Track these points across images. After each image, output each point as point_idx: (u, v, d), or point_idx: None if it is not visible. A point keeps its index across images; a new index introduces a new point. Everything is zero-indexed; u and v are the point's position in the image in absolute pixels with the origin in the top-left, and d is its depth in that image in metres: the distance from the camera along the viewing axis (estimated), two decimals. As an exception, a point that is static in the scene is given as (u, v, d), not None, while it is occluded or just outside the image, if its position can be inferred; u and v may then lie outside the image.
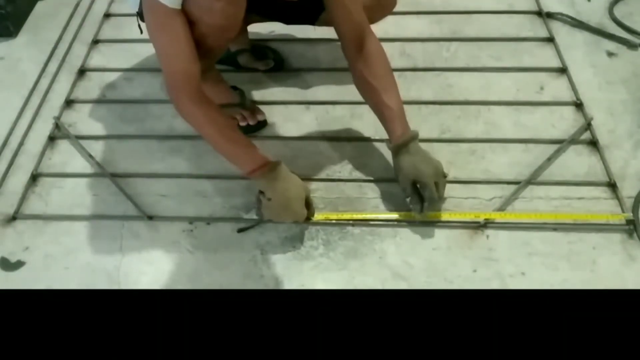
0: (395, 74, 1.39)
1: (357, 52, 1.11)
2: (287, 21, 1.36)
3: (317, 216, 1.12)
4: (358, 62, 1.11)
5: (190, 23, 1.00)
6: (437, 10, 1.59)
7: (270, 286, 1.05)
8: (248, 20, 1.38)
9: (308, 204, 1.08)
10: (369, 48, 1.10)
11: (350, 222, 1.12)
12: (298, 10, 1.14)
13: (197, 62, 1.01)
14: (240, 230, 1.12)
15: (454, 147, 1.25)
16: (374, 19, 1.32)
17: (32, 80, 1.45)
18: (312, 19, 1.31)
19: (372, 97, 1.12)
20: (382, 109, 1.11)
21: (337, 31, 1.12)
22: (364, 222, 1.13)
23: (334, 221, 1.12)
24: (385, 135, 1.13)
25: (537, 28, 1.52)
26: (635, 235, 1.08)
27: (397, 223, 1.12)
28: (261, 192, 1.05)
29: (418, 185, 1.08)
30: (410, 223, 1.12)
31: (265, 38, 1.49)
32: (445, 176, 1.12)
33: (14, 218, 1.17)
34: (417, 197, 1.08)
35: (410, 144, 1.08)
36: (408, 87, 1.38)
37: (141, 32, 1.14)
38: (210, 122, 1.04)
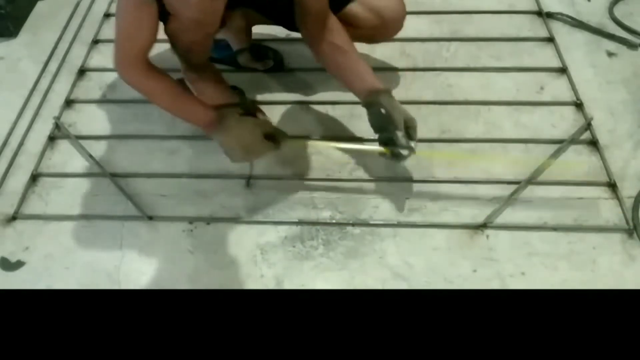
0: (396, 73, 1.41)
1: (322, 27, 1.12)
2: (289, 27, 1.36)
3: (292, 142, 1.16)
4: (325, 33, 1.12)
5: (171, 16, 1.03)
6: (437, 10, 1.59)
7: (270, 286, 1.05)
8: (252, 21, 1.38)
9: (272, 136, 1.08)
10: (332, 23, 1.13)
11: (350, 222, 1.13)
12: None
13: (153, 41, 1.04)
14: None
15: (454, 147, 1.25)
16: (377, 39, 1.33)
17: (32, 80, 1.45)
18: None
19: (344, 60, 1.13)
20: (356, 65, 1.12)
21: (302, 9, 1.12)
22: (364, 222, 1.13)
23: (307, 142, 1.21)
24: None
25: (537, 28, 1.52)
26: (635, 235, 1.08)
27: (397, 223, 1.12)
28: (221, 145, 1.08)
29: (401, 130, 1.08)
30: (410, 223, 1.12)
31: (265, 38, 1.49)
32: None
33: (14, 218, 1.17)
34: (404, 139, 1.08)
35: (388, 92, 1.10)
36: (408, 87, 1.38)
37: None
38: (159, 90, 1.07)
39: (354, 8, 1.23)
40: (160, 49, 1.38)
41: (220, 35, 1.39)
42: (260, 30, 1.44)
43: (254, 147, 1.07)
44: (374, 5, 1.23)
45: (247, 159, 1.13)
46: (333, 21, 1.13)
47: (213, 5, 1.01)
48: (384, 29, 1.26)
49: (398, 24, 1.28)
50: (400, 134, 1.06)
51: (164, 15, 1.05)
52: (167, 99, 1.08)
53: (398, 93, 1.36)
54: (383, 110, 1.07)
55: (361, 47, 1.39)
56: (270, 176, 1.21)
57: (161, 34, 1.10)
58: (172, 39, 1.11)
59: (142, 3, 0.99)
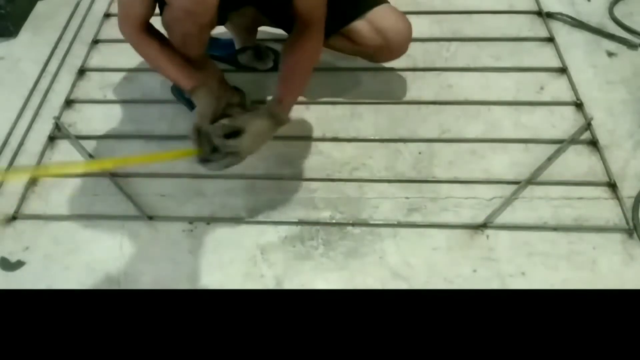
0: (396, 73, 1.41)
1: (296, 35, 1.11)
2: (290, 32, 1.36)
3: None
4: (291, 44, 1.12)
5: (166, 6, 1.03)
6: (437, 10, 1.59)
7: (270, 286, 1.05)
8: (258, 21, 1.38)
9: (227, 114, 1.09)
10: (304, 41, 1.11)
11: (350, 222, 1.13)
12: None
13: (148, 15, 1.07)
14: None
15: (454, 147, 1.25)
16: (379, 59, 1.33)
17: (32, 80, 1.45)
18: None
19: (286, 71, 1.12)
20: (284, 77, 1.12)
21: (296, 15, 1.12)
22: (364, 222, 1.13)
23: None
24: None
25: (537, 28, 1.52)
26: (635, 235, 1.08)
27: (397, 223, 1.12)
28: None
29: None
30: (410, 223, 1.12)
31: (267, 38, 1.49)
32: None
33: (14, 218, 1.17)
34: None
35: (282, 123, 1.09)
36: (408, 87, 1.38)
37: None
38: (150, 55, 1.11)
39: (359, 25, 1.22)
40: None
41: (225, 29, 1.39)
42: (263, 30, 1.44)
43: (199, 116, 1.07)
44: (380, 25, 1.21)
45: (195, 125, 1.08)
46: (305, 44, 1.11)
47: None
48: (387, 50, 1.25)
49: (402, 47, 1.27)
50: (217, 140, 1.05)
51: (161, 4, 1.05)
52: (156, 64, 1.11)
53: (398, 93, 1.37)
54: (239, 122, 1.06)
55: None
56: (270, 176, 1.21)
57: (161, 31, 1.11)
58: (168, 31, 1.11)
59: None
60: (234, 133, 1.05)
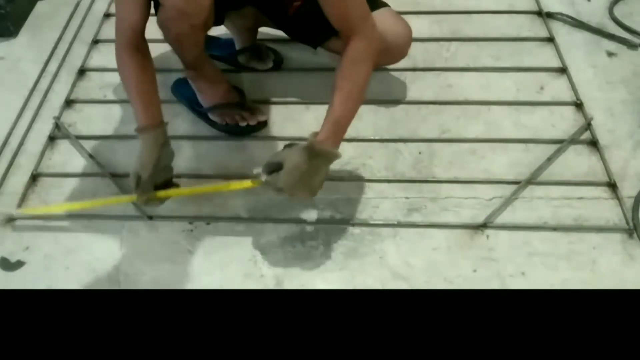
0: (395, 74, 1.41)
1: (343, 45, 1.01)
2: (292, 36, 1.36)
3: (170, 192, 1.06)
4: (342, 55, 1.02)
5: (160, 6, 1.03)
6: (437, 10, 1.59)
7: (270, 286, 1.05)
8: (259, 22, 1.38)
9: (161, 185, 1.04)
10: (350, 48, 1.00)
11: (350, 222, 1.13)
12: (304, 30, 1.13)
13: (142, 21, 1.05)
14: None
15: (454, 147, 1.25)
16: (379, 64, 1.32)
17: (32, 80, 1.45)
18: (315, 43, 1.30)
19: (332, 90, 1.01)
20: (330, 107, 1.00)
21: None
22: (364, 222, 1.13)
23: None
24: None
25: (537, 28, 1.52)
26: (635, 235, 1.08)
27: (397, 223, 1.12)
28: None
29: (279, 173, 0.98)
30: (410, 223, 1.12)
31: (265, 38, 1.49)
32: (313, 196, 1.01)
33: (14, 218, 1.17)
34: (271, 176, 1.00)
35: (320, 155, 0.97)
36: (408, 87, 1.38)
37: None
38: (123, 74, 1.07)
39: None
40: (162, 49, 1.39)
41: (225, 29, 1.39)
42: (263, 30, 1.44)
43: (141, 180, 1.01)
44: (379, 28, 1.20)
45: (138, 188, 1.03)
46: (350, 52, 1.00)
47: None
48: (387, 53, 1.23)
49: (402, 51, 1.27)
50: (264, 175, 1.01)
51: (157, 5, 1.06)
52: (125, 85, 1.08)
53: (398, 93, 1.37)
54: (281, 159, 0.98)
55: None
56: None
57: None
58: (163, 31, 1.11)
59: None
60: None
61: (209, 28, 1.16)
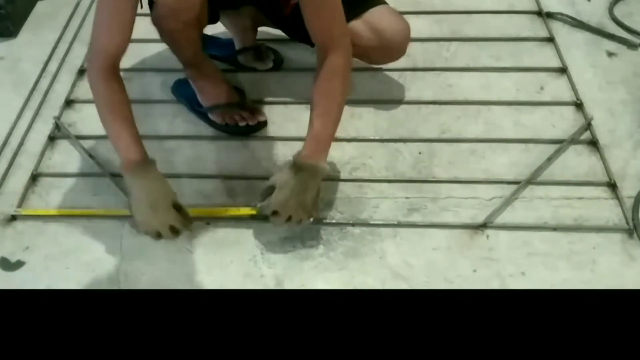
0: (395, 73, 1.41)
1: (321, 58, 1.02)
2: (290, 35, 1.36)
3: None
4: (318, 68, 1.03)
5: (154, 4, 1.02)
6: (437, 10, 1.59)
7: (270, 286, 1.05)
8: (258, 21, 1.38)
9: (179, 209, 1.01)
10: (328, 62, 1.01)
11: (350, 222, 1.13)
12: (302, 29, 1.13)
13: (121, 44, 0.99)
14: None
15: (454, 147, 1.25)
16: (377, 61, 1.32)
17: (32, 80, 1.45)
18: (312, 42, 1.30)
19: (310, 107, 1.03)
20: (309, 124, 1.02)
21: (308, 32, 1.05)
22: (364, 222, 1.13)
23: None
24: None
25: (537, 28, 1.52)
26: (635, 235, 1.08)
27: (397, 223, 1.12)
28: (128, 199, 0.99)
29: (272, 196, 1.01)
30: (410, 223, 1.12)
31: (265, 38, 1.49)
32: (309, 216, 1.04)
33: (14, 218, 1.17)
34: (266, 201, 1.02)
35: (304, 170, 0.99)
36: (408, 87, 1.38)
37: (142, 6, 1.13)
38: (105, 100, 1.00)
39: (356, 26, 1.20)
40: (160, 48, 1.39)
41: (221, 34, 1.40)
42: (263, 30, 1.44)
43: (160, 206, 0.97)
44: (377, 26, 1.20)
45: (149, 218, 0.98)
46: (329, 65, 1.01)
47: None
48: (385, 50, 1.24)
49: (400, 48, 1.26)
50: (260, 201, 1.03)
51: (150, 3, 1.06)
52: (107, 114, 1.00)
53: (398, 93, 1.37)
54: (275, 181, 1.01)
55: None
56: (270, 176, 1.21)
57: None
58: (157, 29, 1.11)
59: None
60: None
61: (203, 26, 1.16)
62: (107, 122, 1.00)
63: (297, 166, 0.99)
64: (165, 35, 1.11)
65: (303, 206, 1.01)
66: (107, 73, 0.99)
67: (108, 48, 0.98)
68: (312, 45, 1.30)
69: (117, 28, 0.97)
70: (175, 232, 1.00)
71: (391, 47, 1.25)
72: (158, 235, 1.00)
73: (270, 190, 1.02)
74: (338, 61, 1.01)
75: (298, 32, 1.30)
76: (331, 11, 1.01)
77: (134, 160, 0.98)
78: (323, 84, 1.01)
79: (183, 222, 1.01)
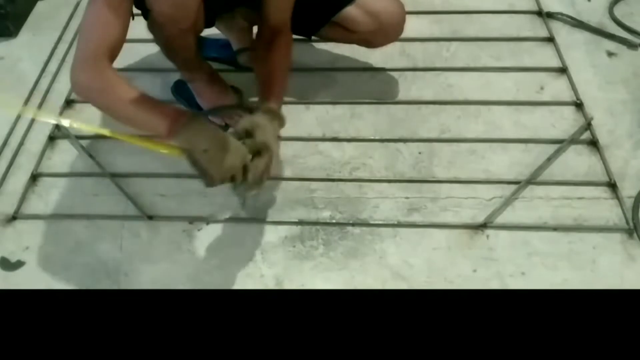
0: (395, 73, 1.41)
1: (272, 35, 1.12)
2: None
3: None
4: (271, 42, 1.12)
5: (150, 12, 1.02)
6: (437, 10, 1.59)
7: (270, 286, 1.05)
8: (253, 21, 1.38)
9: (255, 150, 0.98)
10: (285, 38, 1.14)
11: (350, 222, 1.13)
12: (296, 21, 1.14)
13: (122, 38, 0.95)
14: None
15: (454, 147, 1.25)
16: (374, 44, 1.32)
17: (32, 80, 1.45)
18: (309, 33, 1.31)
19: (267, 71, 1.11)
20: (270, 82, 1.10)
21: (263, 16, 1.12)
22: (364, 222, 1.13)
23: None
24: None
25: (537, 28, 1.52)
26: (635, 235, 1.08)
27: (398, 223, 1.12)
28: (190, 154, 0.88)
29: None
30: (410, 223, 1.12)
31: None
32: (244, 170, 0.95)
33: (14, 218, 1.17)
34: None
35: (277, 118, 1.04)
36: (408, 87, 1.38)
37: (133, 18, 1.13)
38: (112, 86, 0.92)
39: (351, 11, 1.21)
40: (157, 49, 1.38)
41: (219, 32, 1.39)
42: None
43: (232, 145, 0.91)
44: (372, 8, 1.20)
45: (227, 162, 0.89)
46: (281, 41, 1.12)
47: (184, 1, 1.00)
48: (382, 33, 1.24)
49: (397, 29, 1.26)
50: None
51: (144, 11, 1.05)
52: (130, 99, 0.91)
53: (398, 93, 1.37)
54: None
55: (361, 48, 1.39)
56: (270, 176, 1.21)
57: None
58: (153, 35, 1.10)
59: (116, 2, 0.92)
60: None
61: (199, 31, 1.16)
62: (126, 105, 0.91)
63: (272, 113, 1.04)
64: (162, 42, 1.11)
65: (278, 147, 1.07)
66: (109, 63, 0.93)
67: (112, 40, 0.93)
68: (308, 36, 1.31)
69: (114, 24, 0.93)
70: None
71: (388, 29, 1.25)
72: (234, 178, 0.92)
73: (246, 132, 0.97)
74: (289, 39, 1.15)
75: (293, 25, 1.30)
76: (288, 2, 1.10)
77: (180, 118, 0.89)
78: (282, 52, 1.13)
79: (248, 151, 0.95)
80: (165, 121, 0.89)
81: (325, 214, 1.15)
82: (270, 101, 1.07)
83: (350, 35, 1.25)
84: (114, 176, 1.22)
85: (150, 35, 1.09)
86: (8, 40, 1.58)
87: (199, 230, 1.13)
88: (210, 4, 1.06)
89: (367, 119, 1.31)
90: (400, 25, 1.26)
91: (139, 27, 1.16)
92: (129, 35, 1.52)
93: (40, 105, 1.39)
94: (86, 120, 1.35)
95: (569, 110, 1.32)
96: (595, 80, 1.38)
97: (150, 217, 1.15)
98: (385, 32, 1.25)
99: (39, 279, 1.08)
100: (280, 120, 1.05)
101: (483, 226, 1.11)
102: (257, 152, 0.96)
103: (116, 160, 1.26)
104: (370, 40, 1.28)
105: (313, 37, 1.33)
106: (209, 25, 1.22)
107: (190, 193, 1.19)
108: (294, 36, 1.24)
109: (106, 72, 0.92)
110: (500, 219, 1.12)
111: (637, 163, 1.20)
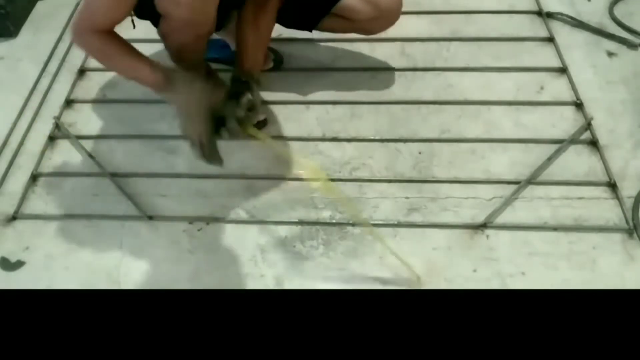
0: (395, 73, 1.41)
1: (258, 6, 1.15)
2: (285, 24, 1.36)
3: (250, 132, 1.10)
4: (257, 14, 1.15)
5: (162, 17, 1.02)
6: (437, 10, 1.59)
7: (270, 286, 1.05)
8: None
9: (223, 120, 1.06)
10: (272, 3, 1.17)
11: (350, 223, 1.13)
12: (295, 15, 1.14)
13: (123, 19, 1.01)
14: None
15: (454, 147, 1.25)
16: (375, 30, 1.33)
17: (32, 80, 1.45)
18: (309, 26, 1.31)
19: (249, 34, 1.16)
20: (255, 41, 1.16)
21: None
22: (364, 222, 1.13)
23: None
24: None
25: (537, 28, 1.52)
26: (635, 235, 1.08)
27: (397, 223, 1.12)
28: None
29: None
30: (410, 223, 1.12)
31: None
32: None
33: (14, 218, 1.17)
34: None
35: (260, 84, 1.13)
36: (408, 87, 1.38)
37: (134, 27, 1.14)
38: (106, 44, 1.01)
39: (351, 1, 1.22)
40: (160, 48, 1.38)
41: (218, 36, 1.39)
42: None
43: (194, 114, 1.01)
44: None
45: (187, 131, 1.03)
46: (273, 3, 1.16)
47: (204, 6, 1.00)
48: (381, 19, 1.26)
49: (395, 14, 1.28)
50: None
51: (155, 16, 1.05)
52: (120, 58, 1.02)
53: (398, 93, 1.37)
54: (250, 96, 1.09)
55: (361, 48, 1.39)
56: (270, 176, 1.21)
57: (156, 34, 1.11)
58: (165, 40, 1.10)
59: None
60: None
61: (210, 35, 1.16)
62: (117, 61, 1.02)
63: (257, 82, 1.12)
64: (174, 47, 1.10)
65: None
66: (104, 33, 1.00)
67: (112, 18, 0.99)
68: (309, 29, 1.31)
69: (124, 5, 0.98)
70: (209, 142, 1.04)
71: (387, 14, 1.27)
72: (194, 145, 1.04)
73: (252, 102, 1.09)
74: (276, 2, 1.17)
75: (293, 20, 1.31)
76: None
77: (161, 80, 1.00)
78: (272, 16, 1.17)
79: (211, 133, 1.04)
80: (150, 83, 1.02)
81: (325, 214, 1.15)
82: (260, 64, 1.17)
83: (349, 24, 1.27)
84: (114, 176, 1.22)
85: (150, 36, 1.09)
86: (8, 40, 1.58)
87: (199, 230, 1.13)
88: (221, 7, 1.06)
89: (367, 119, 1.31)
90: (399, 10, 1.28)
91: (139, 27, 1.17)
92: (129, 35, 1.53)
93: (40, 105, 1.39)
94: (86, 119, 1.36)
95: (569, 110, 1.31)
96: (595, 80, 1.38)
97: (150, 217, 1.15)
98: (383, 18, 1.26)
99: (39, 279, 1.08)
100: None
101: (483, 226, 1.11)
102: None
103: (116, 160, 1.26)
104: (370, 27, 1.30)
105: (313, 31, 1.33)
106: (218, 29, 1.23)
107: (190, 193, 1.19)
108: (295, 31, 1.25)
109: (101, 39, 1.00)
110: (500, 219, 1.12)
111: (637, 163, 1.20)
